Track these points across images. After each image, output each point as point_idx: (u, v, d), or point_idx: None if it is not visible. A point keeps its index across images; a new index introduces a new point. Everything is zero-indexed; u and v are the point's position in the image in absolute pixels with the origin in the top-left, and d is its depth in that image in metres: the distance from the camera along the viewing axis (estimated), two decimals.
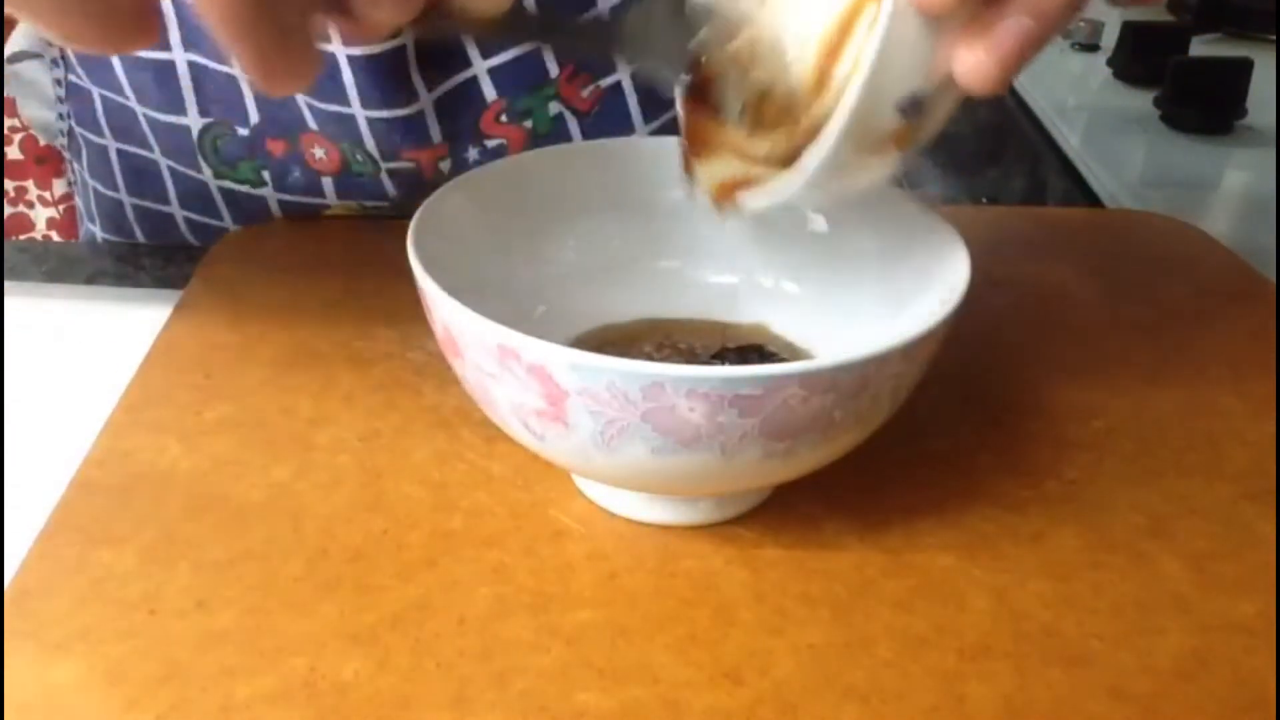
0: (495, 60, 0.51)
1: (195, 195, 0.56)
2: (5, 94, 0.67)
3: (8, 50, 0.59)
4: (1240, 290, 0.51)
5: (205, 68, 0.51)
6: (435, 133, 0.52)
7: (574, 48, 0.40)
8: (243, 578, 0.33)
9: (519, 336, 0.28)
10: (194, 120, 0.53)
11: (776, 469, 0.31)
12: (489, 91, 0.52)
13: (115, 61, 0.53)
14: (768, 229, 0.41)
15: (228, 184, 0.55)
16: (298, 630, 0.31)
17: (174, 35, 0.50)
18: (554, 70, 0.52)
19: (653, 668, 0.30)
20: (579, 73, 0.53)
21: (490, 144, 0.53)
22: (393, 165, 0.53)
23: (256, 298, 0.47)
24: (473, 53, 0.51)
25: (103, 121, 0.56)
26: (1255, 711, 0.29)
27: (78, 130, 0.59)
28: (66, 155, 0.64)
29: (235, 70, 0.51)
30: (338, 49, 0.48)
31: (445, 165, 0.53)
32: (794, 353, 0.40)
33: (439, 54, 0.50)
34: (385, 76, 0.49)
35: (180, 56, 0.51)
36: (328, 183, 0.54)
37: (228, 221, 0.56)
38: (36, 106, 0.64)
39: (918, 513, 0.36)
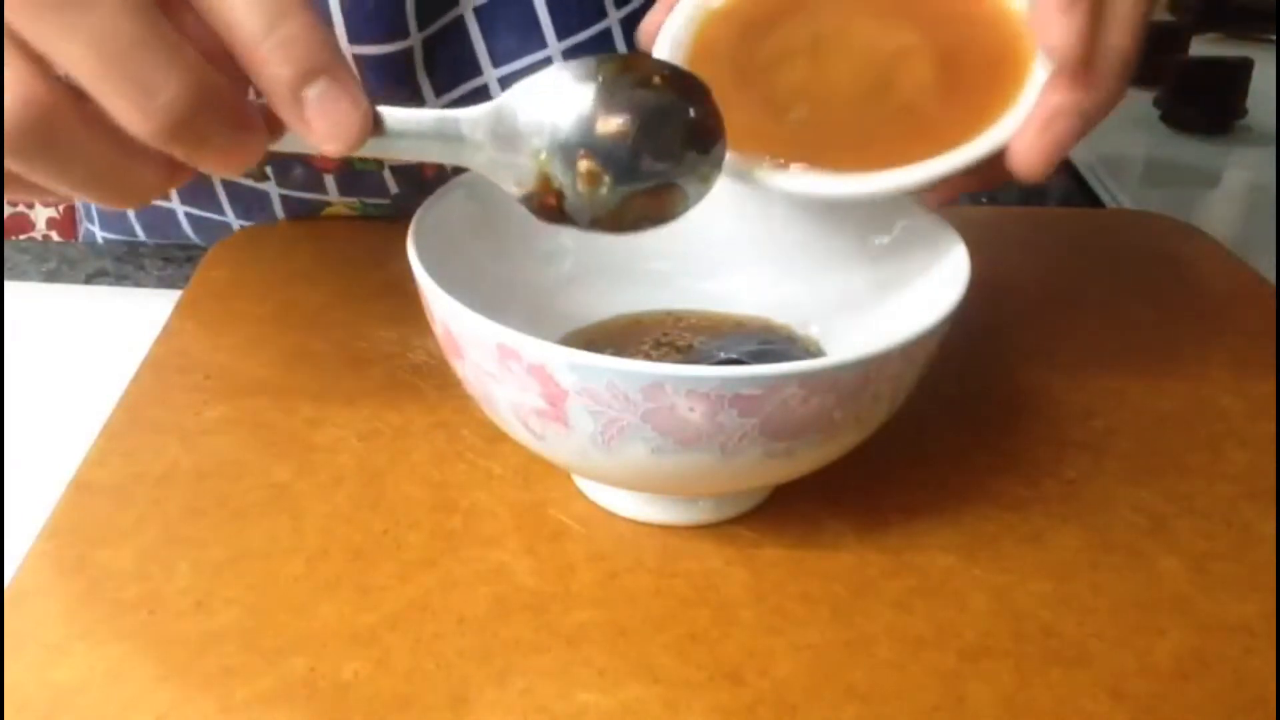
0: (505, 69, 0.51)
1: (197, 190, 0.56)
2: None
3: None
4: (1240, 291, 0.51)
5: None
6: None
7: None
8: (243, 578, 0.33)
9: (519, 336, 0.28)
10: None
11: (776, 469, 0.31)
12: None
13: None
14: (768, 229, 0.41)
15: (230, 177, 0.55)
16: (298, 630, 0.31)
17: None
18: None
19: (653, 668, 0.30)
20: None
21: None
22: (395, 163, 0.53)
23: (256, 298, 0.47)
24: (483, 61, 0.51)
25: None
26: (1255, 711, 0.29)
27: None
28: None
29: None
30: (343, 44, 0.48)
31: (449, 165, 0.53)
32: (796, 343, 0.40)
33: (448, 61, 0.50)
34: (391, 77, 0.49)
35: None
36: (330, 179, 0.54)
37: (230, 216, 0.56)
38: None
39: (918, 513, 0.36)
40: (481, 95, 0.51)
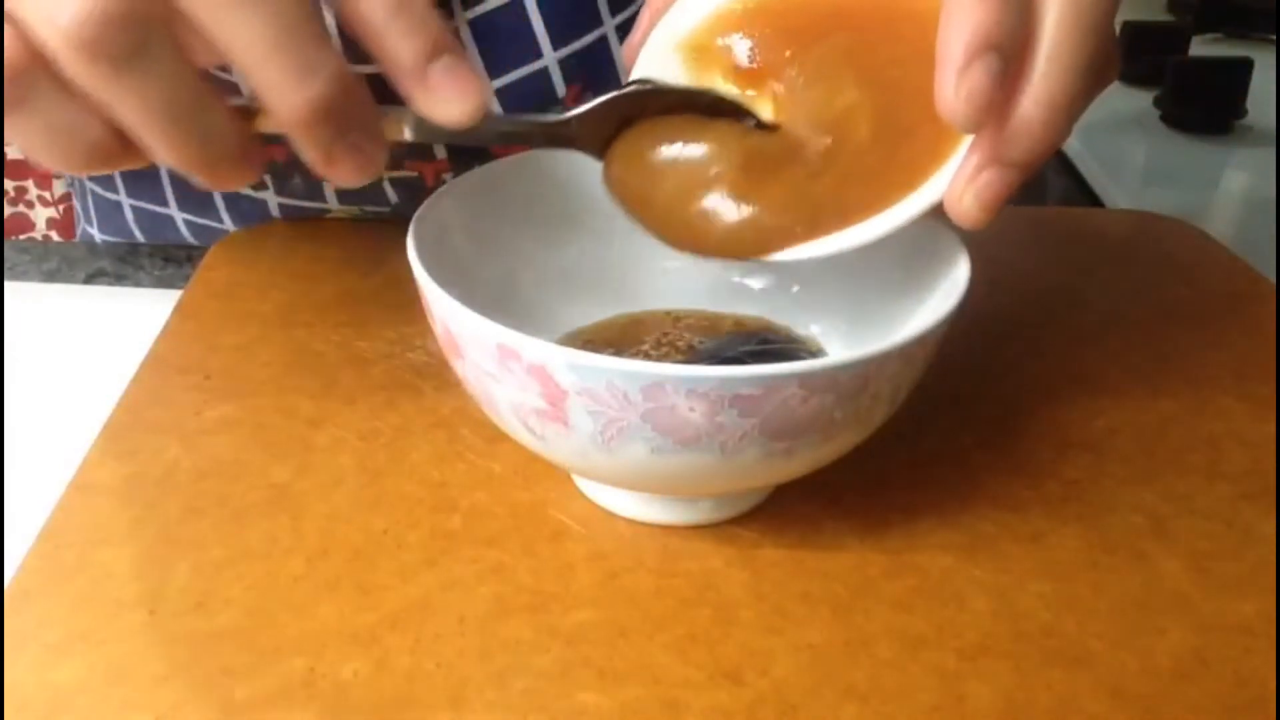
0: (502, 81, 0.51)
1: (195, 197, 0.56)
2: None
3: None
4: (1240, 291, 0.51)
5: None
6: (439, 150, 0.52)
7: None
8: (243, 578, 0.33)
9: (519, 336, 0.28)
10: None
11: (776, 469, 0.31)
12: (495, 112, 0.52)
13: None
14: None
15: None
16: (298, 630, 0.31)
17: None
18: (561, 89, 0.52)
19: (653, 668, 0.30)
20: (585, 91, 0.53)
21: None
22: (395, 174, 0.53)
23: (256, 298, 0.47)
24: (479, 73, 0.51)
25: None
26: (1255, 711, 0.29)
27: None
28: None
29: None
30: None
31: (448, 177, 0.53)
32: (796, 342, 0.40)
33: None
34: (388, 96, 0.49)
35: None
36: (329, 188, 0.54)
37: (227, 224, 0.56)
38: None
39: (918, 513, 0.36)
40: None
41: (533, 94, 0.51)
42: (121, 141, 0.27)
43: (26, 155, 0.27)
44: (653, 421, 0.28)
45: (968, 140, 0.30)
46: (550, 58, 0.51)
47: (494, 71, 0.50)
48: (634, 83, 0.34)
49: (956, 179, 0.29)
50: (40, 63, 0.25)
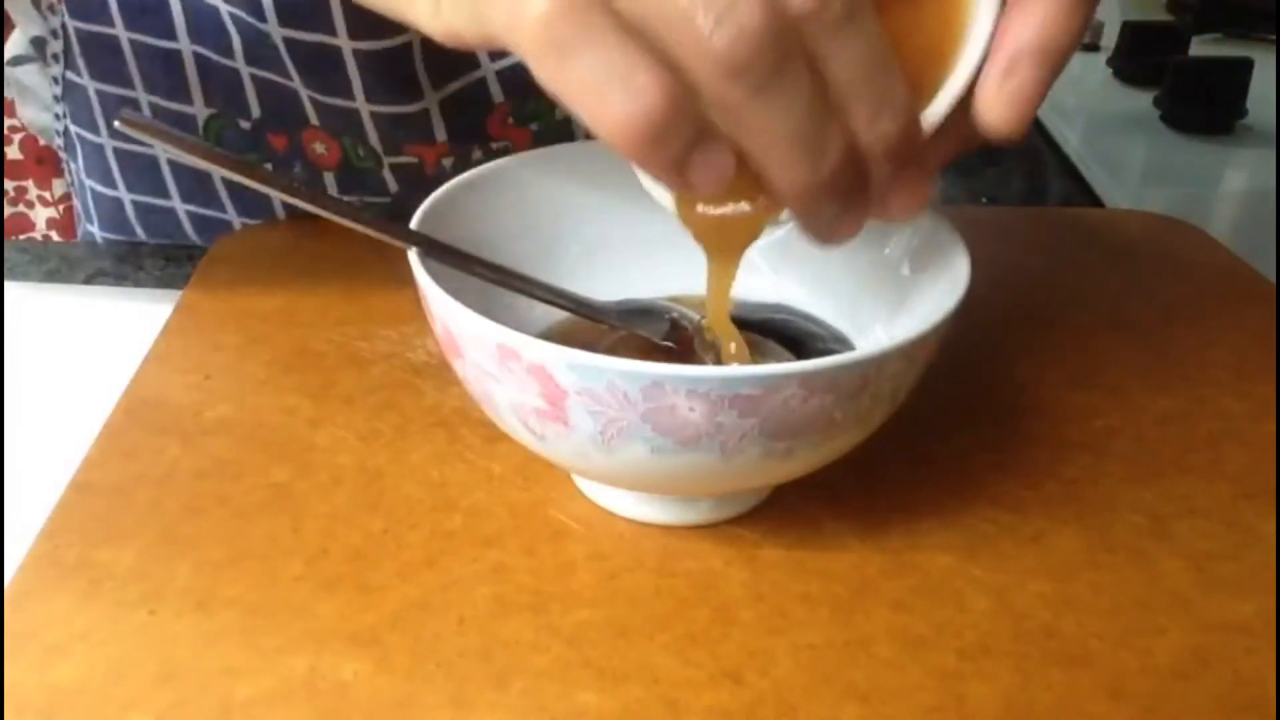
0: (504, 62, 0.51)
1: (197, 188, 0.56)
2: (4, 95, 0.67)
3: (7, 54, 0.60)
4: (1240, 291, 0.51)
5: (209, 59, 0.51)
6: (440, 131, 0.52)
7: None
8: (243, 578, 0.33)
9: (519, 336, 0.28)
10: (199, 110, 0.53)
11: (776, 469, 0.31)
12: (496, 93, 0.52)
13: (126, 50, 0.52)
14: (767, 230, 0.41)
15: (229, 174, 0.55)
16: (298, 630, 0.31)
17: (179, 25, 0.50)
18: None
19: (653, 668, 0.30)
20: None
21: (495, 145, 0.53)
22: (395, 160, 0.53)
23: (256, 298, 0.47)
24: (482, 54, 0.51)
25: (99, 119, 0.56)
26: (1255, 711, 0.29)
27: (73, 129, 0.59)
28: (63, 156, 0.64)
29: (238, 64, 0.51)
30: (342, 41, 0.48)
31: (448, 162, 0.53)
32: (813, 321, 0.40)
33: (448, 54, 0.50)
34: (391, 72, 0.49)
35: (186, 47, 0.51)
36: (329, 178, 0.54)
37: (231, 214, 0.56)
38: (34, 110, 0.64)
39: (918, 513, 0.36)
40: (479, 88, 0.51)
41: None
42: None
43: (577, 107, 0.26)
44: (653, 421, 0.28)
45: (970, 43, 0.28)
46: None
47: (495, 54, 0.50)
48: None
49: (987, 80, 0.28)
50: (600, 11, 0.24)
